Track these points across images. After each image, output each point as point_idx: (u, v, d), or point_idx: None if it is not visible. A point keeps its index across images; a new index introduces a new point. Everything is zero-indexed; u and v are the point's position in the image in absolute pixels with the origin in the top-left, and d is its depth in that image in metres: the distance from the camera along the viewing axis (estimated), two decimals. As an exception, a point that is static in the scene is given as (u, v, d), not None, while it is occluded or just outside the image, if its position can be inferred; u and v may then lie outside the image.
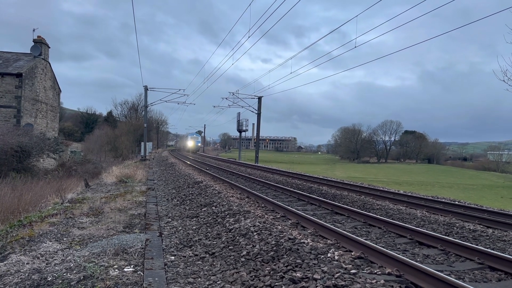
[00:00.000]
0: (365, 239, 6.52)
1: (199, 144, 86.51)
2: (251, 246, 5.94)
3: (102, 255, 5.74)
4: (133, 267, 5.21)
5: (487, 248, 6.26)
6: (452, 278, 4.37)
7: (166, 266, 5.33)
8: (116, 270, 5.09)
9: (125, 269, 5.12)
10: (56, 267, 5.19)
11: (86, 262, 5.35)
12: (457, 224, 8.19)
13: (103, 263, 5.33)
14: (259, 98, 40.60)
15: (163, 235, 7.19)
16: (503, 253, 5.94)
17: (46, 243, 6.50)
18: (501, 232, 7.50)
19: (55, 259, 5.56)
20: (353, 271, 4.60)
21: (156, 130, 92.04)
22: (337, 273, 4.46)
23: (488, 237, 7.18)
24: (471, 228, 7.87)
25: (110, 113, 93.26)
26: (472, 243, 6.56)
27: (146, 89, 40.51)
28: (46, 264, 5.35)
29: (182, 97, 39.99)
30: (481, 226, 8.06)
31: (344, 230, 7.01)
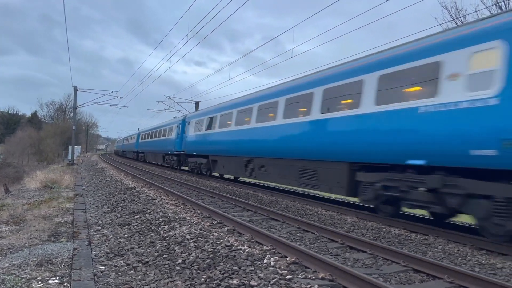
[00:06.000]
0: (300, 245, 6.67)
1: None
2: (187, 254, 5.82)
3: (24, 266, 5.33)
4: (59, 279, 4.89)
5: (411, 251, 6.66)
6: (380, 282, 4.60)
7: (95, 277, 5.05)
8: (40, 282, 4.74)
9: (50, 281, 4.79)
10: (-31, 281, 4.72)
11: (5, 274, 4.93)
12: (384, 229, 8.65)
13: (24, 275, 4.95)
14: (197, 103, 40.29)
15: (92, 244, 6.83)
16: (424, 256, 6.38)
17: (-43, 255, 5.90)
18: (422, 236, 8.02)
19: (-32, 272, 5.06)
20: (288, 276, 4.68)
21: (86, 133, 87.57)
22: (273, 279, 4.51)
23: (411, 241, 7.65)
24: (397, 232, 8.35)
25: (35, 114, 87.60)
26: (397, 247, 6.96)
27: (75, 89, 38.48)
28: (-42, 278, 4.86)
29: (115, 99, 38.50)
30: (405, 230, 8.57)
31: (280, 236, 7.12)
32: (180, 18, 18.37)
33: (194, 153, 23.53)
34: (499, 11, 17.51)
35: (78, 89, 38.60)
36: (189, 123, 25.30)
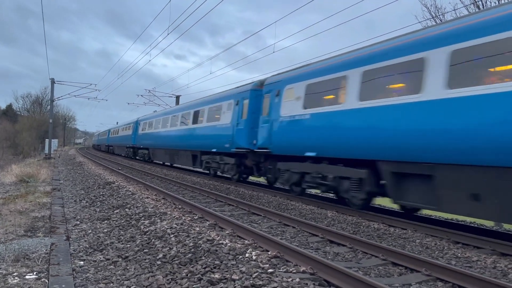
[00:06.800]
0: (281, 239, 6.71)
1: None
2: (168, 248, 5.78)
3: (0, 261, 5.20)
4: (37, 274, 4.79)
5: (389, 245, 6.78)
6: (359, 274, 4.67)
7: (74, 272, 4.97)
8: (16, 278, 4.64)
9: (27, 277, 4.69)
10: None
11: (-20, 270, 4.81)
12: (363, 223, 8.77)
13: (0, 271, 4.83)
14: (177, 97, 39.98)
15: (70, 239, 6.71)
16: (403, 249, 6.49)
17: None
18: (401, 231, 8.17)
19: None
20: (270, 270, 4.69)
21: (63, 126, 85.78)
22: (255, 273, 4.52)
23: (390, 235, 7.78)
24: (376, 227, 8.48)
25: (10, 107, 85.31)
26: (377, 241, 7.07)
27: (53, 82, 37.61)
28: None
29: (93, 92, 37.78)
30: (384, 225, 8.71)
31: (261, 230, 7.14)
32: (161, 11, 18.14)
33: (309, 155, 11.43)
34: (477, 9, 17.89)
35: (56, 82, 37.76)
36: (277, 95, 13.10)
